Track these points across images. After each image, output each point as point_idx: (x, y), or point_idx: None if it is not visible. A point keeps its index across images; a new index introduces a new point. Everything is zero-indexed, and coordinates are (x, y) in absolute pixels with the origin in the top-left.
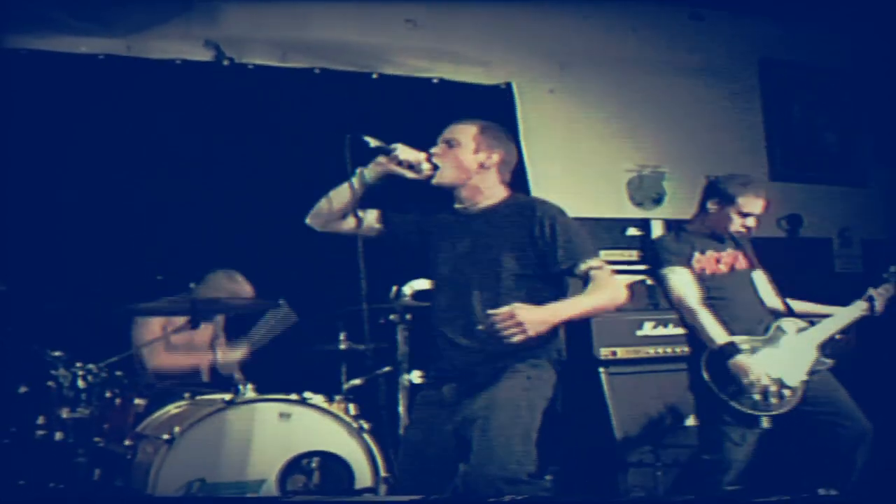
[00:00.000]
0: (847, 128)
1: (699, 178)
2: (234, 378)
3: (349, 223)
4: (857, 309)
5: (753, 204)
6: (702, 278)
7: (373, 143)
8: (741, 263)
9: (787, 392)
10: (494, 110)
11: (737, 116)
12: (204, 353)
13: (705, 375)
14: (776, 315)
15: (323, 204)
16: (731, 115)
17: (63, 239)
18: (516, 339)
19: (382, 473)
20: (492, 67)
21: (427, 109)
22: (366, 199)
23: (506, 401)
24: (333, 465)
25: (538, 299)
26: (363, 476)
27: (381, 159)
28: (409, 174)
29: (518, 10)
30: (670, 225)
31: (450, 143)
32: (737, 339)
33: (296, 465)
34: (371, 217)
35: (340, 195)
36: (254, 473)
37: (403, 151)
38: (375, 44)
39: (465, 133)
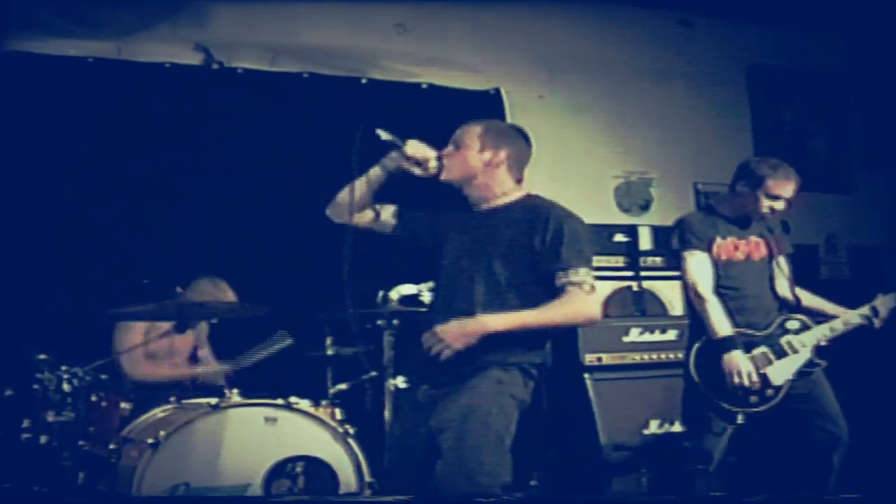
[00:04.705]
0: (835, 134)
1: (687, 184)
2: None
3: (366, 217)
4: (858, 316)
5: (783, 187)
6: (717, 264)
7: (384, 136)
8: (760, 252)
9: (769, 391)
10: (483, 116)
11: (725, 123)
12: (185, 365)
13: (691, 366)
14: (783, 307)
15: (340, 196)
16: (720, 122)
17: (49, 241)
18: (444, 354)
19: (367, 479)
20: (481, 73)
21: (416, 115)
22: (382, 193)
23: (476, 407)
24: (318, 470)
25: (532, 301)
26: (348, 481)
27: (393, 155)
28: (417, 171)
29: (508, 16)
30: (698, 203)
31: (456, 145)
32: (736, 332)
33: (281, 470)
34: (387, 213)
35: (356, 188)
36: (239, 478)
37: (412, 147)
38: (365, 48)
39: (470, 133)
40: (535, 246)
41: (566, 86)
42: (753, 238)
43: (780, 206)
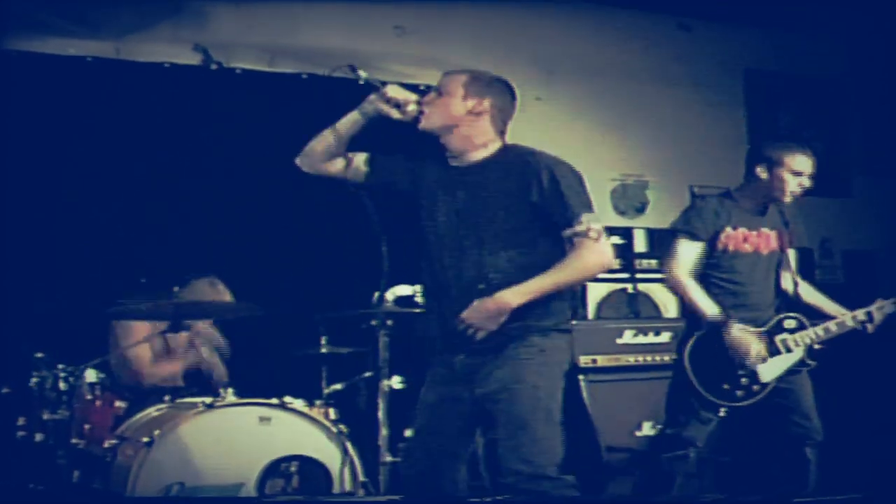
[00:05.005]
0: (832, 138)
1: (683, 187)
2: (214, 382)
3: (337, 165)
4: (852, 319)
5: (804, 163)
6: (724, 255)
7: (364, 76)
8: (769, 246)
9: (755, 387)
10: None
11: (721, 126)
12: (185, 356)
13: (686, 356)
14: (784, 301)
15: (313, 144)
16: (716, 125)
17: (48, 241)
18: (479, 335)
19: (361, 478)
20: None
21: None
22: (356, 140)
23: (522, 382)
24: (312, 470)
25: (541, 256)
26: (342, 481)
27: (371, 97)
28: (395, 114)
29: (506, 18)
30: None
31: (440, 91)
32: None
33: (275, 470)
34: (359, 160)
35: (329, 134)
36: (233, 477)
37: (393, 90)
38: (364, 50)
39: (455, 81)
40: (532, 198)
41: (564, 88)
42: (765, 230)
43: (806, 182)
